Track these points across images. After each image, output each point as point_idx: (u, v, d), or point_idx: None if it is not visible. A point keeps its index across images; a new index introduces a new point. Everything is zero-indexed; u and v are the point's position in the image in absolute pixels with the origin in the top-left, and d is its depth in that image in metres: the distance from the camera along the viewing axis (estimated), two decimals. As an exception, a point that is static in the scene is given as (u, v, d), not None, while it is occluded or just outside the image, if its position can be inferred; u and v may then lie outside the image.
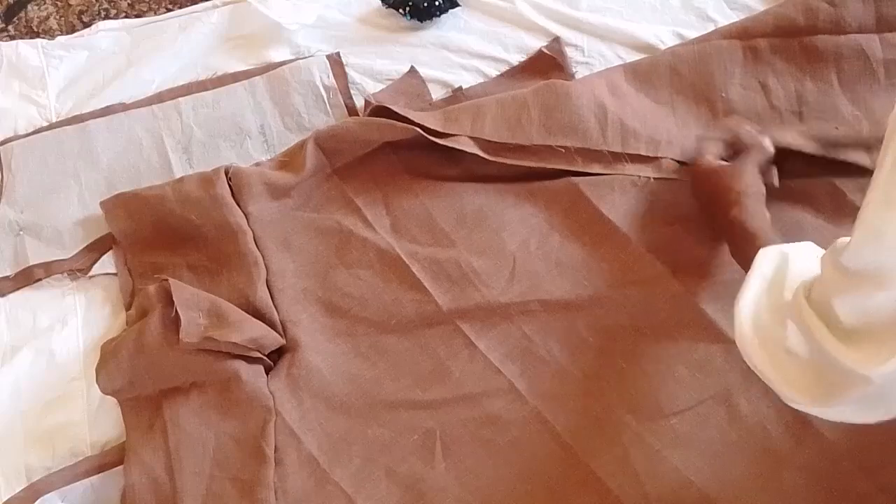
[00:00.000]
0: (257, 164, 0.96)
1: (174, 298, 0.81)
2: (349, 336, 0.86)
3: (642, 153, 0.91)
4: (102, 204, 0.93)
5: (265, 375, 0.83)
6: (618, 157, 0.91)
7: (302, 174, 0.91)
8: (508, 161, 0.91)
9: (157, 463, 0.79)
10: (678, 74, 0.96)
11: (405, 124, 0.91)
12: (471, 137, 0.91)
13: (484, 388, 0.81)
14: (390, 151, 0.94)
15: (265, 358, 0.84)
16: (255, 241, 0.89)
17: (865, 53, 0.93)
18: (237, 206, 0.90)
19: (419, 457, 0.79)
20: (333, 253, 0.90)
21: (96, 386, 0.83)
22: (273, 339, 0.84)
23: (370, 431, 0.80)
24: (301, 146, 0.95)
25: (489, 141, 0.91)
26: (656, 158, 0.91)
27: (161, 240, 0.92)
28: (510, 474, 0.77)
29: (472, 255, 0.87)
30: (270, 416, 0.80)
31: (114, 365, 0.81)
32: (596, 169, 0.91)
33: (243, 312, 0.83)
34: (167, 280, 0.83)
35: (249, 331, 0.81)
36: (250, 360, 0.82)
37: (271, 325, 0.85)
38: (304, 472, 0.79)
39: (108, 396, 0.83)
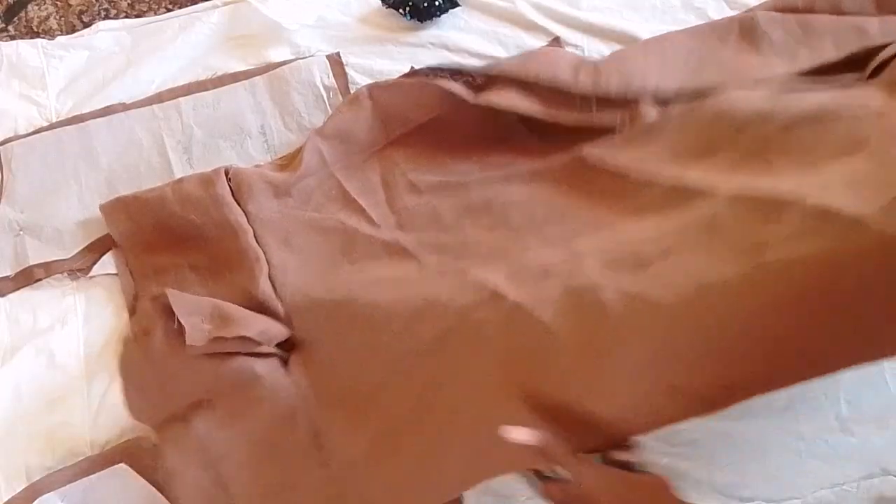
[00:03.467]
0: (258, 167, 0.97)
1: (174, 309, 0.81)
2: (353, 325, 0.85)
3: (612, 90, 0.90)
4: (102, 207, 0.93)
5: (281, 368, 0.83)
6: (587, 103, 0.90)
7: (300, 171, 0.91)
8: (483, 102, 0.91)
9: (206, 479, 0.79)
10: (673, 41, 0.97)
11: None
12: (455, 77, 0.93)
13: (476, 303, 0.77)
14: (393, 150, 0.95)
15: (277, 351, 0.83)
16: (255, 238, 0.89)
17: (863, 29, 0.92)
18: (237, 205, 0.90)
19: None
20: (338, 251, 0.90)
21: (96, 385, 0.84)
22: (279, 331, 0.84)
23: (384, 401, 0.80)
24: (300, 149, 0.95)
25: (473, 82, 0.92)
26: (628, 105, 0.89)
27: (162, 241, 0.92)
28: (496, 367, 0.74)
29: (480, 235, 0.87)
30: (297, 404, 0.80)
31: (134, 392, 0.81)
32: (567, 116, 0.90)
33: (245, 310, 0.83)
34: (164, 294, 0.83)
35: (255, 325, 0.81)
36: (263, 356, 0.82)
37: (276, 317, 0.85)
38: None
39: (108, 396, 0.84)
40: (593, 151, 0.89)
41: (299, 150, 0.94)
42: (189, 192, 0.90)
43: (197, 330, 0.79)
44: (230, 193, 0.90)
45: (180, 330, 0.80)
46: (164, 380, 0.81)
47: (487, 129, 0.94)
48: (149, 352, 0.81)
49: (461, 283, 0.80)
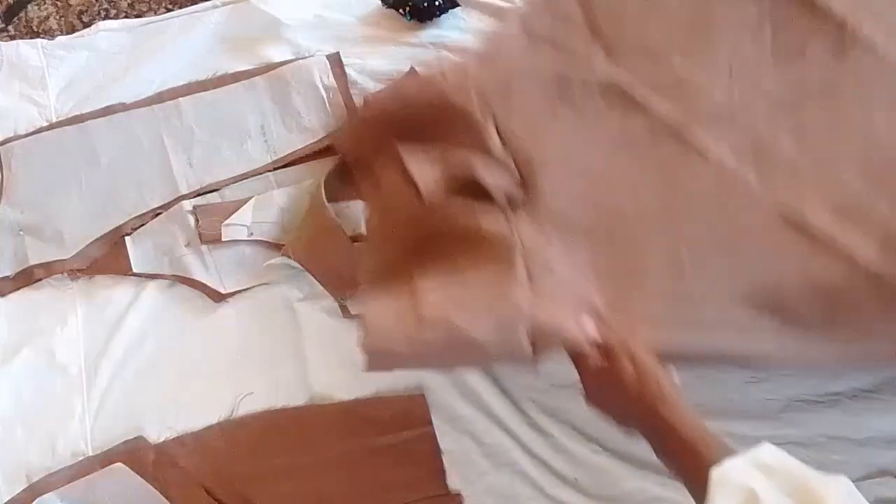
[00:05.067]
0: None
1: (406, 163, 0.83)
2: (583, 165, 0.84)
3: None
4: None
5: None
6: None
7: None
8: None
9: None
10: None
11: None
12: None
13: (719, 189, 0.79)
14: None
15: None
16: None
17: None
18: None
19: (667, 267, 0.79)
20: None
21: (96, 386, 0.84)
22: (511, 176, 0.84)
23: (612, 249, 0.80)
24: None
25: None
26: None
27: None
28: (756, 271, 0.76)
29: (691, 68, 0.85)
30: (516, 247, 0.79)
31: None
32: None
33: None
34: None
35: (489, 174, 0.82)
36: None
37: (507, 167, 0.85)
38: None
39: (108, 396, 0.84)
40: None
41: None
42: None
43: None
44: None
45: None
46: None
47: None
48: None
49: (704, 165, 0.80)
